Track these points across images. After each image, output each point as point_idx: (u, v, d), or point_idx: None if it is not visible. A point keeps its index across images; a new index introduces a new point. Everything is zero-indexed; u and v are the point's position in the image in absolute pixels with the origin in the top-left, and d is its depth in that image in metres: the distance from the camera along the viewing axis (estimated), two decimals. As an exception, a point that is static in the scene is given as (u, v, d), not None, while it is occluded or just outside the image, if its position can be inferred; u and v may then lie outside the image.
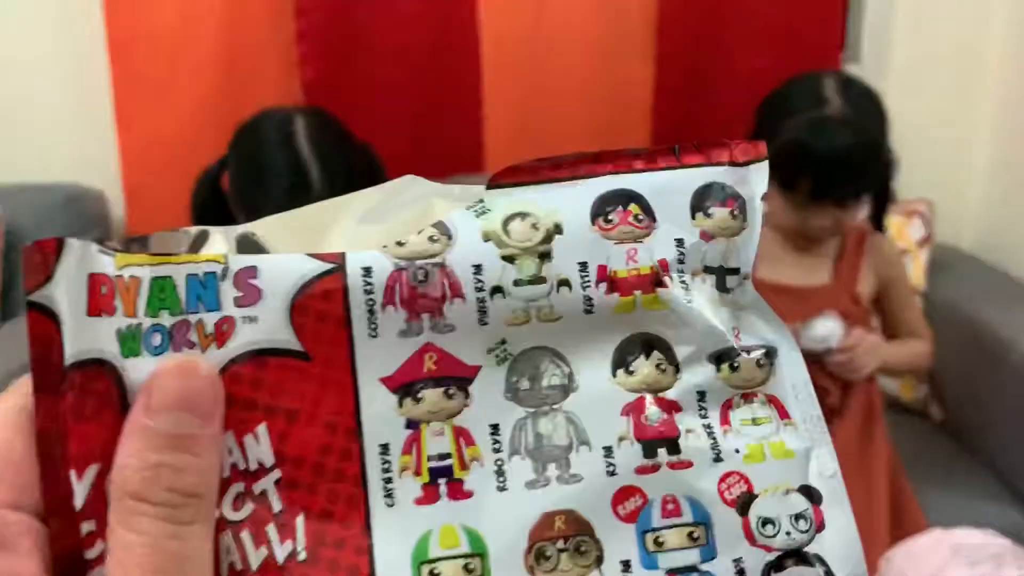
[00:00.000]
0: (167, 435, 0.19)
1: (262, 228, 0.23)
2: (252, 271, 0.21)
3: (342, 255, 0.22)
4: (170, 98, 1.75)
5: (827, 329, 1.10)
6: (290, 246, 0.22)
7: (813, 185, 1.06)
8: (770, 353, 0.23)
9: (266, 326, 0.21)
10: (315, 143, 1.00)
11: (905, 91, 1.70)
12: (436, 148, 1.82)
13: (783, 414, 0.23)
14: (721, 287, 0.23)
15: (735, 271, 0.23)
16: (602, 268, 0.22)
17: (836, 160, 1.04)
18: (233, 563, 0.20)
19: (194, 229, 0.22)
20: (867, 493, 1.11)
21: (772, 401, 0.23)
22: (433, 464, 0.21)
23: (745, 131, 1.21)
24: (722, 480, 0.21)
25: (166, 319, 0.21)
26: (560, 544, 0.20)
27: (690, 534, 0.21)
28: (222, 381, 0.21)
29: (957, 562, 0.87)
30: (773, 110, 1.13)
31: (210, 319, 0.21)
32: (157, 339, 0.21)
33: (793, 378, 0.23)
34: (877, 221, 1.22)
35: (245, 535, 0.20)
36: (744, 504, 0.21)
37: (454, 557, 0.20)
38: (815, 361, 1.12)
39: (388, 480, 0.21)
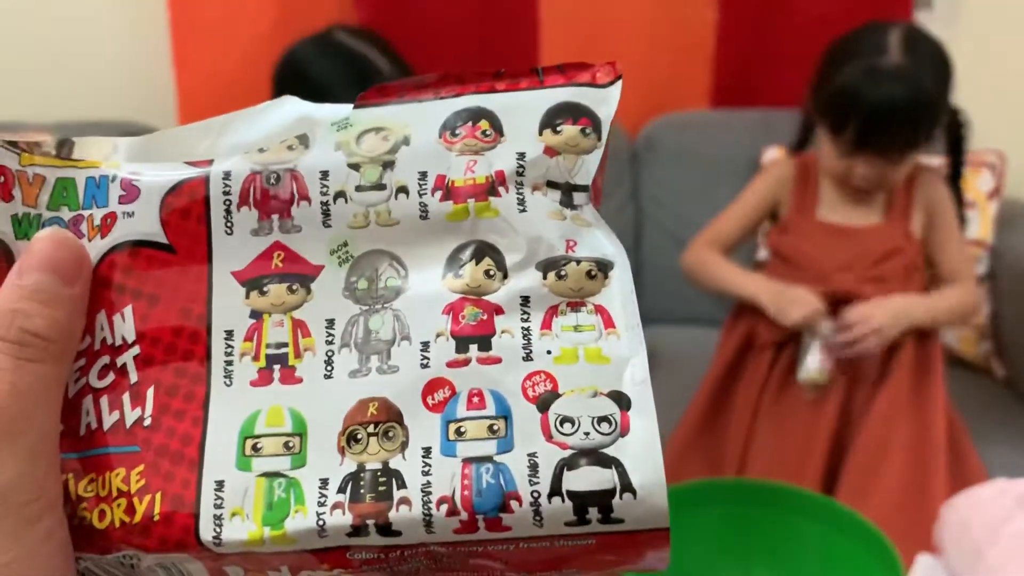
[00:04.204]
0: (29, 289, 0.22)
1: (156, 140, 0.25)
2: (137, 174, 0.24)
3: (211, 161, 0.24)
4: (227, 37, 1.76)
5: (814, 357, 1.10)
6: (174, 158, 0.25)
7: (858, 133, 1.05)
8: (603, 266, 0.24)
9: (140, 221, 0.24)
10: (355, 37, 1.02)
11: (977, 39, 1.63)
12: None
13: (608, 324, 0.23)
14: (567, 203, 0.24)
15: (583, 188, 0.24)
16: (441, 177, 0.24)
17: (883, 110, 1.03)
18: (90, 423, 0.23)
19: (108, 139, 0.25)
20: (923, 445, 1.09)
21: (599, 311, 0.23)
22: (270, 351, 0.23)
23: (806, 82, 1.18)
24: (527, 378, 0.22)
25: (65, 214, 0.24)
26: (371, 428, 0.22)
27: (490, 427, 0.22)
28: (102, 266, 0.24)
29: (1023, 511, 0.85)
30: (836, 55, 1.11)
31: (98, 214, 0.24)
32: None
33: (624, 291, 0.24)
34: (953, 181, 1.19)
35: (104, 400, 0.23)
36: (545, 402, 0.22)
37: (276, 435, 0.22)
38: (849, 361, 1.10)
39: (229, 363, 0.23)
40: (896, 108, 1.03)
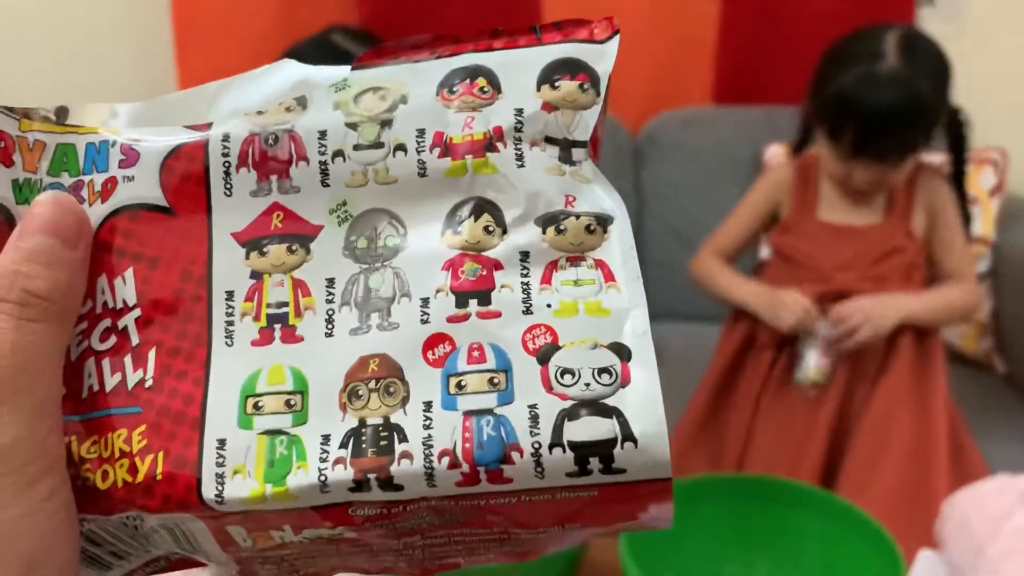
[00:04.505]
0: (30, 251, 0.22)
1: (154, 107, 0.26)
2: (136, 139, 0.25)
3: (210, 125, 0.24)
4: (229, 34, 1.76)
5: (811, 358, 1.10)
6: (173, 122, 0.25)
7: (856, 139, 1.06)
8: (603, 220, 0.24)
9: (140, 185, 0.24)
10: (351, 39, 1.03)
11: (979, 35, 1.63)
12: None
13: (608, 277, 0.24)
14: (566, 159, 0.24)
15: (581, 144, 0.24)
16: (439, 134, 0.24)
17: (879, 117, 1.03)
18: (92, 386, 0.23)
19: (106, 105, 0.26)
20: (923, 440, 1.09)
21: (600, 265, 0.24)
22: (271, 311, 0.23)
23: (808, 79, 1.18)
24: (527, 331, 0.22)
25: (66, 179, 0.24)
26: (372, 384, 0.22)
27: (491, 379, 0.22)
28: (103, 231, 0.24)
29: (1023, 507, 0.85)
30: (833, 60, 1.11)
31: (99, 179, 0.24)
32: None
33: (623, 245, 0.24)
34: (956, 180, 1.19)
35: (106, 363, 0.23)
36: (545, 354, 0.22)
37: (278, 393, 0.22)
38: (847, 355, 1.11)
39: (230, 323, 0.23)
40: (893, 115, 1.03)
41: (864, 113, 1.03)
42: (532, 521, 0.22)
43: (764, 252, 1.28)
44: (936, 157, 1.25)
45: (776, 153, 1.61)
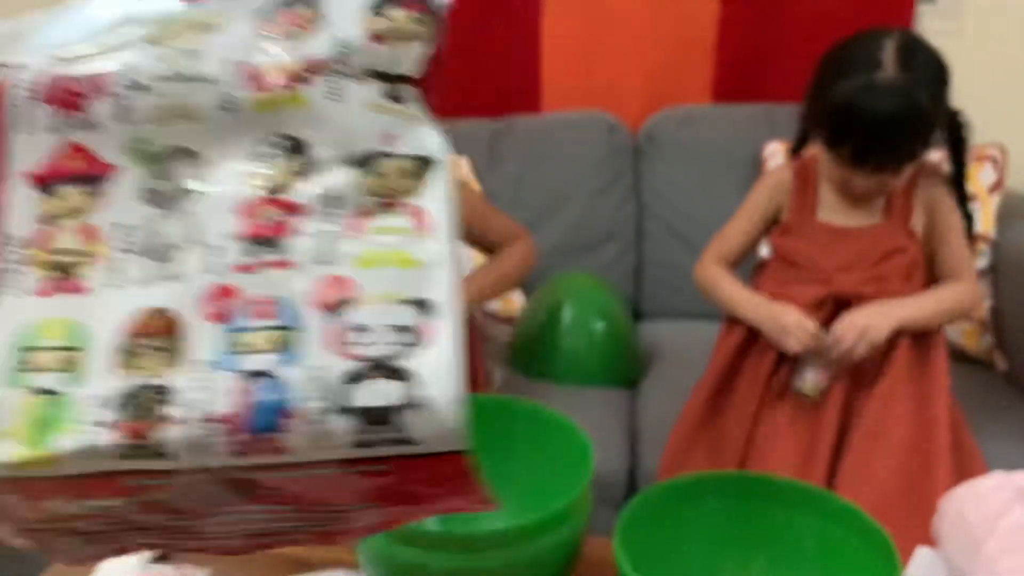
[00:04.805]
0: None
1: None
2: None
3: (20, 63, 0.22)
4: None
5: (810, 372, 1.11)
6: None
7: (855, 149, 1.06)
8: (424, 163, 0.22)
9: None
10: None
11: (979, 32, 1.63)
12: (494, 86, 1.81)
13: (423, 227, 0.21)
14: (391, 96, 0.22)
15: (409, 80, 0.22)
16: (248, 67, 0.22)
17: (878, 128, 1.03)
18: None
19: None
20: (926, 441, 1.10)
21: (416, 213, 0.22)
22: (57, 258, 0.21)
23: (808, 76, 1.18)
24: (322, 283, 0.20)
25: None
26: (150, 342, 0.21)
27: (274, 338, 0.20)
28: None
29: (1021, 503, 0.85)
30: (831, 67, 1.11)
31: None
32: None
33: (442, 193, 0.22)
34: (957, 183, 1.18)
35: None
36: (339, 309, 0.20)
37: (54, 348, 0.21)
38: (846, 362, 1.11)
39: (12, 271, 0.22)
40: (893, 125, 1.03)
41: (864, 124, 1.03)
42: (327, 497, 0.21)
43: (764, 251, 1.28)
44: (935, 154, 1.25)
45: (775, 151, 1.61)
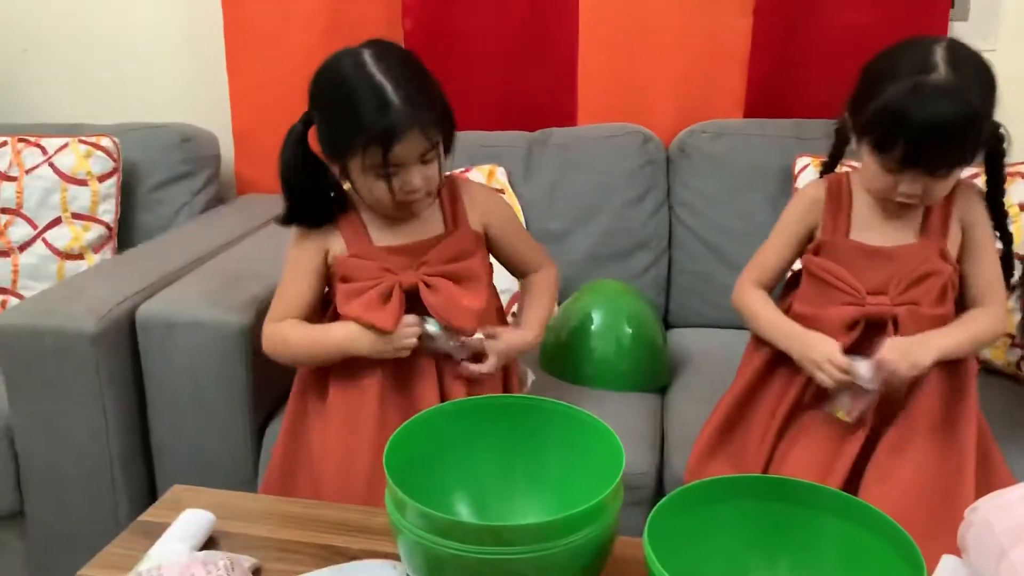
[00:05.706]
0: None
1: None
2: None
3: None
4: (278, 46, 1.81)
5: (844, 399, 1.11)
6: None
7: (905, 151, 1.05)
8: None
9: None
10: (382, 63, 1.06)
11: (1012, 50, 1.64)
12: (530, 99, 1.84)
13: None
14: None
15: None
16: None
17: (932, 128, 1.03)
18: None
19: None
20: (956, 456, 1.10)
21: None
22: None
23: (846, 88, 1.19)
24: None
25: None
26: None
27: None
28: None
29: (1046, 516, 0.86)
30: (879, 72, 1.11)
31: None
32: None
33: None
34: (993, 197, 1.19)
35: None
36: None
37: None
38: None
39: None
40: (945, 125, 1.03)
41: (916, 125, 1.03)
42: None
43: (795, 263, 1.29)
44: (966, 172, 1.26)
45: (806, 165, 1.63)
